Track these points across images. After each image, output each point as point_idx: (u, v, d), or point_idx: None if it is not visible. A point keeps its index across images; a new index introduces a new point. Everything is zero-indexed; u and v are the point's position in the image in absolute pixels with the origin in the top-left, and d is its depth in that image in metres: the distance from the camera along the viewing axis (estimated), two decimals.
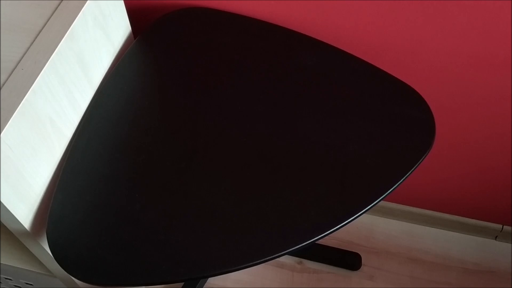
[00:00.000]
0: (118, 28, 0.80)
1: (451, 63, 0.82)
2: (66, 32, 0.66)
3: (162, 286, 0.59)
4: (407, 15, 0.77)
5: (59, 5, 0.68)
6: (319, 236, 0.60)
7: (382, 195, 0.62)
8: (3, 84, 0.61)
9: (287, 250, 0.59)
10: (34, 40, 0.65)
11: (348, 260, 1.16)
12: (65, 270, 0.60)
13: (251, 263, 0.59)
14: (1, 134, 0.57)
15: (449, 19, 0.76)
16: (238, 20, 0.64)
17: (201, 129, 0.71)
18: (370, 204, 0.61)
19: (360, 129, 0.69)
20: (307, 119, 0.69)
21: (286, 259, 1.15)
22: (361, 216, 0.62)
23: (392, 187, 0.62)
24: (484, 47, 0.78)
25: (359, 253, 1.16)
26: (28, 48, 0.64)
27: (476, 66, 0.82)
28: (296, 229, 0.61)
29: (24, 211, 0.65)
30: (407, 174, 0.63)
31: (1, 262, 0.83)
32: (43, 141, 0.66)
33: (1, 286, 0.94)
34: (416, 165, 0.64)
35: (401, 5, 0.75)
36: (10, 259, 0.83)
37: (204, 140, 0.71)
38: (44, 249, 0.72)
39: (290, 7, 0.72)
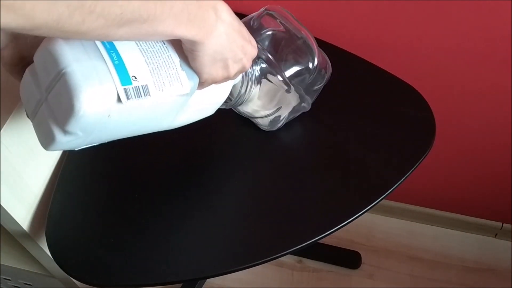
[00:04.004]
0: None
1: (452, 62, 0.82)
2: None
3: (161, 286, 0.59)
4: (407, 14, 0.77)
5: None
6: (320, 236, 0.59)
7: (382, 195, 0.62)
8: (2, 85, 0.60)
9: (288, 251, 0.59)
10: None
11: (348, 258, 1.16)
12: (64, 271, 0.60)
13: (251, 264, 0.59)
14: None
15: (449, 18, 0.76)
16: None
17: (201, 128, 0.71)
18: (370, 204, 0.61)
19: (361, 128, 0.69)
20: (307, 118, 0.69)
21: (286, 258, 1.15)
22: None
23: (392, 187, 0.62)
24: (484, 46, 0.78)
25: (359, 251, 1.16)
26: None
27: (476, 65, 0.82)
28: (296, 229, 0.61)
29: (22, 212, 0.65)
30: (408, 174, 0.63)
31: (1, 262, 0.83)
32: None
33: (1, 286, 0.94)
34: (417, 164, 0.64)
35: (401, 4, 0.75)
36: (9, 260, 0.83)
37: (204, 139, 0.70)
38: (43, 250, 0.72)
39: (290, 6, 0.72)
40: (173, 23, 0.41)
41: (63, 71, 0.43)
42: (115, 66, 0.45)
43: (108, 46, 0.46)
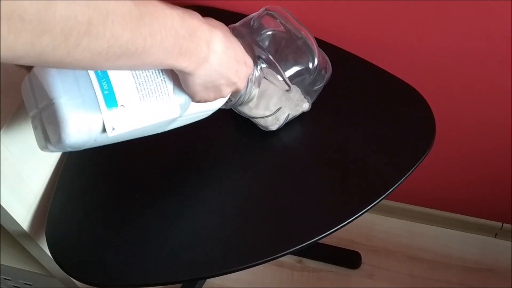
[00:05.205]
0: None
1: (452, 62, 0.82)
2: None
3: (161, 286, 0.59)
4: (407, 14, 0.77)
5: None
6: (320, 236, 0.59)
7: (382, 195, 0.62)
8: (2, 85, 0.60)
9: (287, 251, 0.59)
10: None
11: (348, 258, 1.16)
12: (64, 271, 0.60)
13: (251, 264, 0.59)
14: None
15: (449, 18, 0.76)
16: (239, 19, 0.64)
17: (201, 128, 0.71)
18: (370, 204, 0.61)
19: (361, 128, 0.69)
20: (307, 118, 0.69)
21: (285, 258, 1.15)
22: None
23: (392, 187, 0.62)
24: (484, 46, 0.78)
25: (359, 251, 1.16)
26: None
27: (476, 65, 0.82)
28: (296, 229, 0.61)
29: (22, 212, 0.65)
30: (408, 174, 0.63)
31: (1, 262, 0.83)
32: None
33: (1, 286, 0.94)
34: (417, 164, 0.64)
35: (401, 4, 0.75)
36: (9, 260, 0.83)
37: (204, 140, 0.70)
38: (43, 250, 0.72)
39: (290, 6, 0.72)
40: (162, 56, 0.40)
41: (52, 101, 0.44)
42: (104, 96, 0.45)
43: (100, 73, 0.46)
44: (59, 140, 0.45)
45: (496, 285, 1.13)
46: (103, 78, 0.45)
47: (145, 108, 0.48)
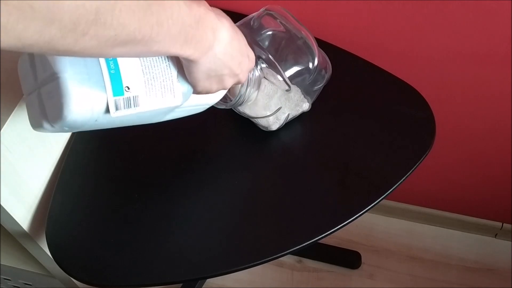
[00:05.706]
0: None
1: (452, 62, 0.82)
2: None
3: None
4: (407, 14, 0.77)
5: None
6: (319, 237, 0.59)
7: (382, 195, 0.62)
8: (2, 85, 0.60)
9: (287, 251, 0.59)
10: None
11: (348, 258, 1.16)
12: (64, 271, 0.60)
13: (251, 264, 0.59)
14: None
15: (449, 18, 0.76)
16: (239, 19, 0.64)
17: (201, 128, 0.71)
18: (371, 204, 0.61)
19: (361, 128, 0.69)
20: (307, 118, 0.69)
21: (285, 258, 1.15)
22: None
23: (392, 187, 0.62)
24: (484, 46, 0.78)
25: (359, 251, 1.16)
26: None
27: (476, 65, 0.82)
28: (296, 229, 0.61)
29: (22, 212, 0.65)
30: (408, 174, 0.63)
31: (1, 262, 0.83)
32: (41, 142, 0.66)
33: (1, 286, 0.94)
34: (416, 164, 0.64)
35: (401, 4, 0.75)
36: (9, 260, 0.83)
37: (204, 140, 0.70)
38: (43, 250, 0.72)
39: (290, 6, 0.72)
40: (168, 43, 0.41)
41: (57, 75, 0.43)
42: (111, 75, 0.45)
43: None
44: (59, 116, 0.44)
45: (496, 285, 1.13)
46: (111, 58, 0.45)
47: (149, 92, 0.48)
